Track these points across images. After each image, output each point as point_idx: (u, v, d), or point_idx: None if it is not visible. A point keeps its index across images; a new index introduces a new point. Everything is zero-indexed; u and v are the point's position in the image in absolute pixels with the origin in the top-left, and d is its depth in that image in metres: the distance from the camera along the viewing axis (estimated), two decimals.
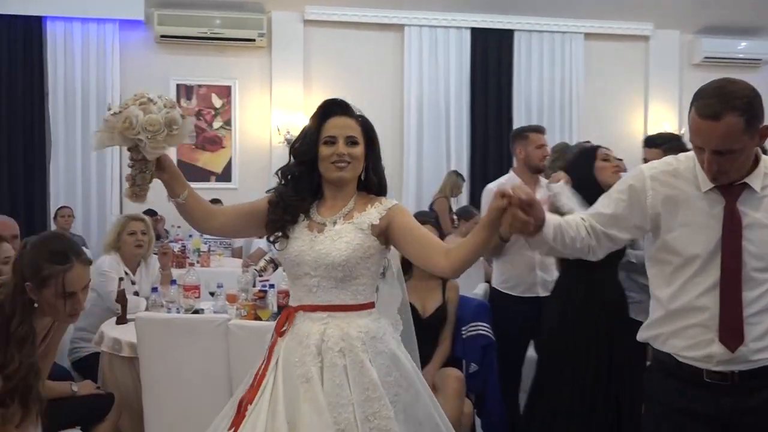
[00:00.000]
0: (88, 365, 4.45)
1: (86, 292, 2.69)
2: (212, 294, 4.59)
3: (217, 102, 8.94)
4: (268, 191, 2.50)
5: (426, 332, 4.13)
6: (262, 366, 2.38)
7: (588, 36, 9.54)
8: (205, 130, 8.90)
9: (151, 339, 3.72)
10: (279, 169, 2.49)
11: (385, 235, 2.39)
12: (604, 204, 2.43)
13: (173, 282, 4.57)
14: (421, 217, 4.54)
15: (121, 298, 4.34)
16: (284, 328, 2.39)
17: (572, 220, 2.37)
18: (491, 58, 9.32)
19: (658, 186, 2.31)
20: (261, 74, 8.96)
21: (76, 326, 4.78)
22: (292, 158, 2.48)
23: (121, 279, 4.51)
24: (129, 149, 2.27)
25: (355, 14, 8.99)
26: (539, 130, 4.63)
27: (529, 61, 9.42)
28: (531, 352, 4.28)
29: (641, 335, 2.45)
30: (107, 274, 4.64)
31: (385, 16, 9.09)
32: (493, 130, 9.27)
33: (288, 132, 8.67)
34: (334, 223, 2.39)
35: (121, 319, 4.27)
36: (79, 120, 8.50)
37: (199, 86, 8.89)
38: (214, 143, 8.96)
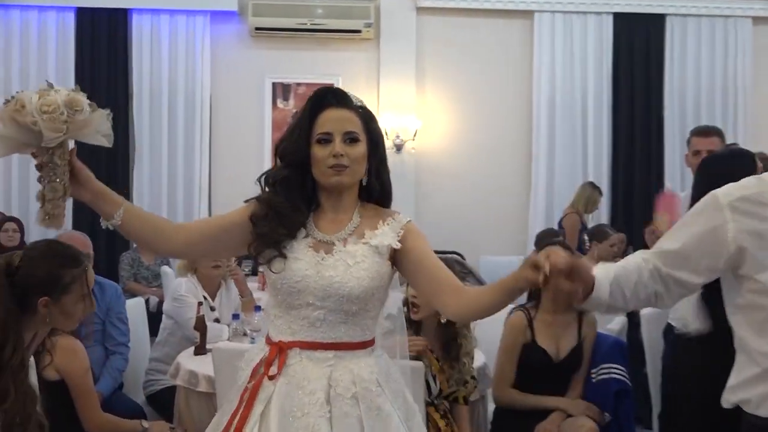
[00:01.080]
0: (163, 400, 4.52)
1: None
2: None
3: None
4: (247, 201, 2.35)
5: (557, 378, 3.99)
6: (239, 414, 2.23)
7: (757, 20, 9.15)
8: None
9: (230, 372, 3.70)
10: (262, 175, 2.34)
11: (394, 258, 2.26)
12: (670, 240, 2.25)
13: (258, 308, 4.59)
14: (547, 238, 4.43)
15: (200, 324, 4.39)
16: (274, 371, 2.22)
17: (631, 263, 2.20)
18: (638, 47, 9.05)
19: (741, 217, 2.13)
20: (368, 70, 8.96)
21: (150, 356, 4.88)
22: (278, 160, 2.33)
23: (200, 303, 4.57)
24: (33, 155, 2.12)
25: None
26: (700, 132, 4.45)
27: (683, 51, 9.11)
28: None
29: (729, 399, 2.26)
30: (184, 299, 4.71)
31: (511, 1, 8.96)
32: (640, 133, 9.00)
33: (398, 136, 8.65)
34: (344, 242, 2.25)
35: (200, 349, 4.31)
36: (166, 123, 8.75)
37: (298, 84, 8.95)
38: None
